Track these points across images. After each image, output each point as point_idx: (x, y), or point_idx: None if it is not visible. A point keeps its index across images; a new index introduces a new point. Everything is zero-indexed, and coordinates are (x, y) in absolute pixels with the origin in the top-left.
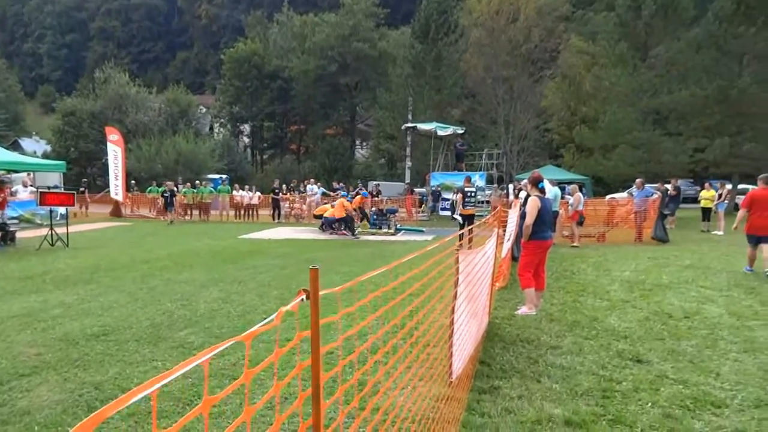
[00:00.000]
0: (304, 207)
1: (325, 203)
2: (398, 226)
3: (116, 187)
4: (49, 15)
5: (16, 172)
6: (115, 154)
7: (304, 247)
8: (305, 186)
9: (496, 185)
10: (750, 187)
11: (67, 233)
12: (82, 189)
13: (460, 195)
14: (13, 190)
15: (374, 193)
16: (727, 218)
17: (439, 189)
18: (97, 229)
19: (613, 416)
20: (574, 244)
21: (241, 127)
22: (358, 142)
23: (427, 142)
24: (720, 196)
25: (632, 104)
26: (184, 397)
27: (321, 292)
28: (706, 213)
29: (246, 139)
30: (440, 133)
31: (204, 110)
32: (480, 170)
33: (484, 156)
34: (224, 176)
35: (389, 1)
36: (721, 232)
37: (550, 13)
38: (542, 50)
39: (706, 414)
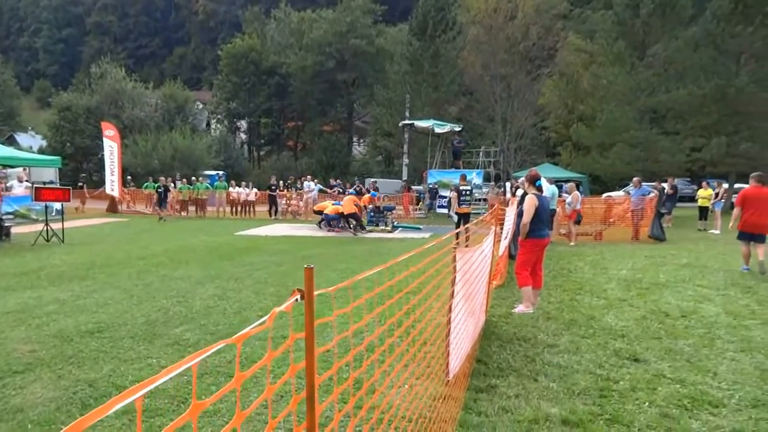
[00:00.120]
0: (301, 204)
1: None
2: (395, 223)
3: (112, 183)
4: (45, 9)
5: (12, 167)
6: (111, 150)
7: (301, 244)
8: (302, 183)
9: (493, 183)
10: (746, 186)
11: (63, 229)
12: (80, 184)
13: (455, 193)
14: (8, 185)
15: (358, 190)
16: (723, 217)
17: (436, 186)
18: (93, 225)
19: (611, 415)
20: (571, 243)
21: (238, 123)
22: (355, 139)
23: (424, 140)
24: (717, 195)
25: (630, 103)
26: (179, 395)
27: (316, 292)
28: (704, 212)
29: (243, 136)
30: (437, 130)
31: (201, 106)
32: (477, 168)
33: (481, 154)
34: (221, 172)
35: None
36: (717, 231)
37: (548, 11)
38: (540, 48)
39: (703, 414)
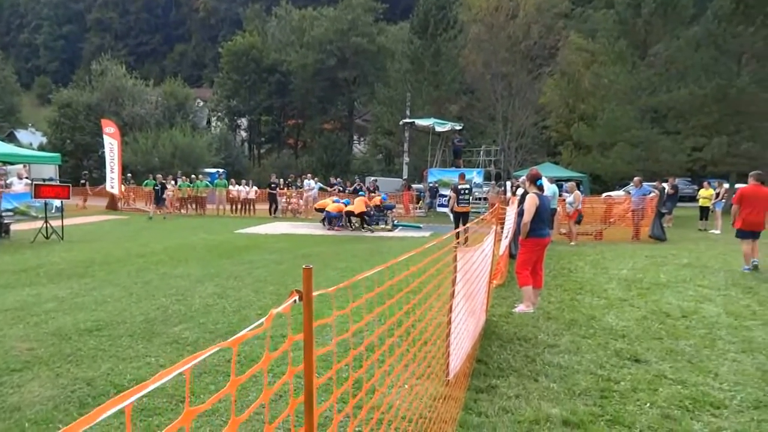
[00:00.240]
0: (301, 202)
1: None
2: (395, 222)
3: (112, 180)
4: (46, 6)
5: (12, 164)
6: (111, 147)
7: (301, 243)
8: (302, 181)
9: (493, 182)
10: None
11: (62, 226)
12: (83, 181)
13: (453, 193)
14: (8, 182)
15: (371, 189)
16: (724, 217)
17: (436, 185)
18: (93, 222)
19: (612, 416)
20: (572, 243)
21: (239, 121)
22: (355, 138)
23: (425, 138)
24: (717, 195)
25: (631, 102)
26: (178, 394)
27: (315, 293)
28: (704, 212)
29: (243, 133)
30: (438, 129)
31: (201, 104)
32: (478, 167)
33: (482, 152)
34: (221, 170)
35: None
36: (718, 231)
37: (549, 10)
38: (541, 47)
39: (705, 415)
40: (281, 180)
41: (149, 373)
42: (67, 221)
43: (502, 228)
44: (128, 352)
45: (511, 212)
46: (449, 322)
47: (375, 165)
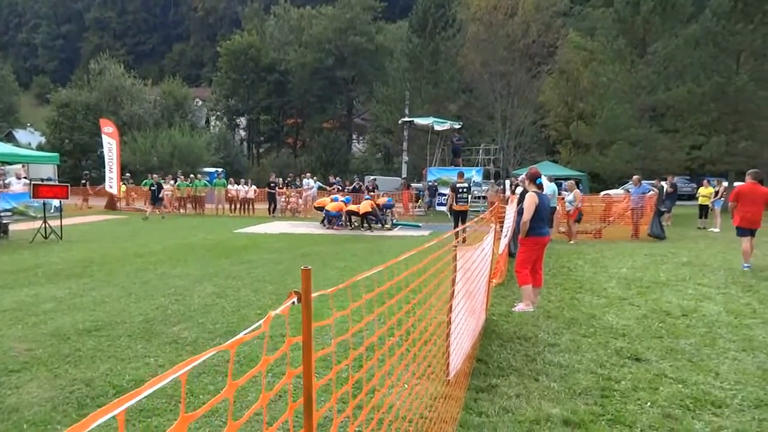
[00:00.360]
0: (300, 201)
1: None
2: (395, 221)
3: (111, 180)
4: (44, 5)
5: (10, 163)
6: (109, 147)
7: (300, 242)
8: (301, 180)
9: (492, 181)
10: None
11: (61, 226)
12: (84, 181)
13: (451, 191)
14: (6, 182)
15: (371, 188)
16: (723, 215)
17: (435, 184)
18: (92, 222)
19: (612, 416)
20: (571, 242)
21: (238, 121)
22: (354, 137)
23: (424, 137)
24: (717, 193)
25: (629, 101)
26: (177, 395)
27: (314, 294)
28: (704, 210)
29: (242, 133)
30: (437, 127)
31: (200, 103)
32: (477, 166)
33: (481, 151)
34: (220, 170)
35: None
36: (717, 230)
37: (548, 8)
38: (540, 45)
39: (706, 414)
40: (280, 179)
41: (148, 373)
42: (65, 221)
43: (502, 227)
44: (127, 352)
45: (510, 211)
46: (449, 322)
47: (374, 164)
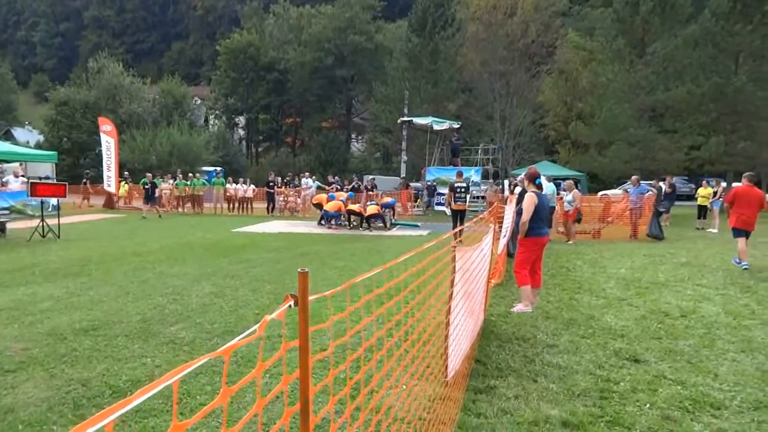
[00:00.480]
0: (299, 201)
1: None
2: (393, 220)
3: (109, 179)
4: (43, 3)
5: (8, 162)
6: (108, 145)
7: (299, 241)
8: (300, 179)
9: (491, 181)
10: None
11: (59, 225)
12: (84, 180)
13: (449, 191)
14: (4, 180)
15: (369, 188)
16: (721, 216)
17: (434, 184)
18: (90, 220)
19: (611, 417)
20: (570, 242)
21: (237, 119)
22: (353, 136)
23: (423, 137)
24: (715, 194)
25: (628, 101)
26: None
27: (311, 297)
28: (702, 210)
29: (241, 132)
30: (436, 127)
31: (199, 102)
32: (476, 165)
33: (480, 151)
34: (219, 168)
35: None
36: (715, 230)
37: (547, 8)
38: (539, 45)
39: (705, 416)
40: (279, 178)
41: (145, 373)
42: (63, 220)
43: (501, 227)
44: (124, 352)
45: (509, 211)
46: (448, 324)
47: (373, 163)
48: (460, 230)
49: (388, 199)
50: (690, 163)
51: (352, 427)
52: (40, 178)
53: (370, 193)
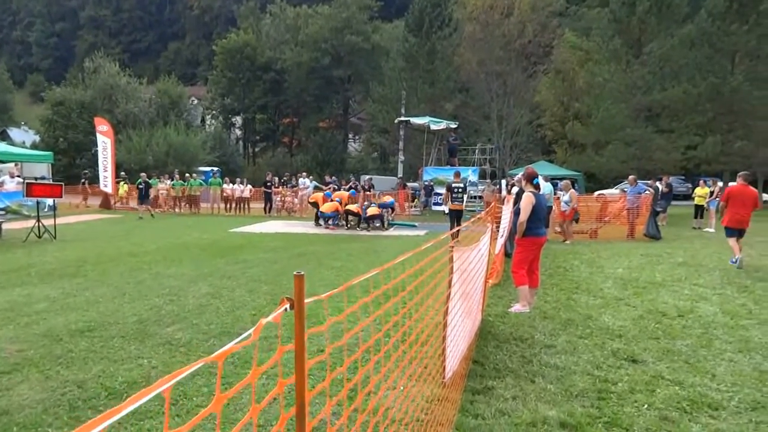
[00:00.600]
0: (296, 201)
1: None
2: (390, 220)
3: (105, 179)
4: (39, 3)
5: (3, 162)
6: (104, 145)
7: (296, 241)
8: (297, 179)
9: (488, 180)
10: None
11: (55, 225)
12: (83, 180)
13: (447, 191)
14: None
15: (366, 188)
16: (718, 216)
17: (431, 184)
18: (86, 221)
19: (609, 418)
20: (567, 242)
21: (233, 120)
22: (350, 136)
23: (420, 137)
24: (712, 193)
25: (625, 101)
26: (171, 396)
27: (307, 300)
28: (699, 210)
29: (238, 132)
30: (433, 127)
31: (195, 102)
32: (473, 165)
33: (477, 151)
34: (215, 169)
35: None
36: (712, 230)
37: (544, 8)
38: (536, 45)
39: (703, 416)
40: (276, 179)
41: (141, 375)
42: (59, 220)
43: (498, 227)
44: (120, 353)
45: (506, 211)
46: (446, 325)
47: (370, 163)
48: (457, 230)
49: (387, 199)
50: (687, 163)
51: (349, 430)
52: (35, 179)
53: (368, 193)
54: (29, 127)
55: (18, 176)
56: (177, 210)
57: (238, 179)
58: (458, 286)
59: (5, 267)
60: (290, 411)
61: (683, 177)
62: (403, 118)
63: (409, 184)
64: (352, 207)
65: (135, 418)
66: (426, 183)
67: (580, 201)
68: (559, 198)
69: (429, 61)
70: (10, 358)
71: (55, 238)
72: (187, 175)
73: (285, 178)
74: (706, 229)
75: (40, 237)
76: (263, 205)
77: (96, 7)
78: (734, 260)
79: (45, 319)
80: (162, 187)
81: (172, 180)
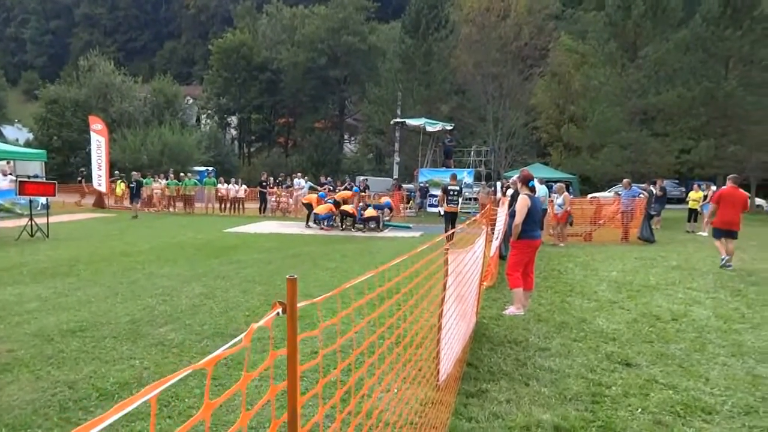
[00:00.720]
0: (291, 201)
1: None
2: (386, 221)
3: (99, 178)
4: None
5: None
6: (98, 144)
7: (290, 242)
8: (292, 180)
9: (484, 183)
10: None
11: (48, 224)
12: (79, 179)
13: (442, 193)
14: None
15: (362, 188)
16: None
17: (427, 185)
18: (79, 220)
19: (603, 422)
20: (561, 244)
21: (229, 119)
22: (346, 137)
23: (415, 138)
24: (705, 197)
25: (620, 104)
26: (162, 399)
27: (300, 304)
28: (693, 214)
29: (233, 131)
30: (429, 128)
31: (191, 101)
32: (468, 167)
33: (472, 153)
34: (210, 168)
35: None
36: (705, 233)
37: (540, 11)
38: (532, 48)
39: (696, 420)
40: (272, 179)
41: (133, 376)
42: (52, 219)
43: (493, 229)
44: (112, 353)
45: (501, 213)
46: (440, 328)
47: (366, 164)
48: (452, 233)
49: (384, 200)
50: (680, 167)
51: None
52: (29, 177)
53: (363, 194)
54: (23, 125)
55: (11, 174)
56: (171, 209)
57: (233, 179)
58: (453, 289)
59: None
60: (282, 418)
61: (677, 181)
62: (398, 120)
63: (404, 186)
64: (347, 207)
65: (126, 419)
66: (421, 184)
67: (574, 204)
68: (552, 201)
69: (425, 62)
70: (0, 357)
71: (47, 236)
72: (181, 174)
73: (280, 178)
74: (700, 233)
75: (32, 235)
76: (259, 205)
77: (91, 5)
78: (728, 264)
79: (36, 318)
80: (156, 186)
81: (167, 179)
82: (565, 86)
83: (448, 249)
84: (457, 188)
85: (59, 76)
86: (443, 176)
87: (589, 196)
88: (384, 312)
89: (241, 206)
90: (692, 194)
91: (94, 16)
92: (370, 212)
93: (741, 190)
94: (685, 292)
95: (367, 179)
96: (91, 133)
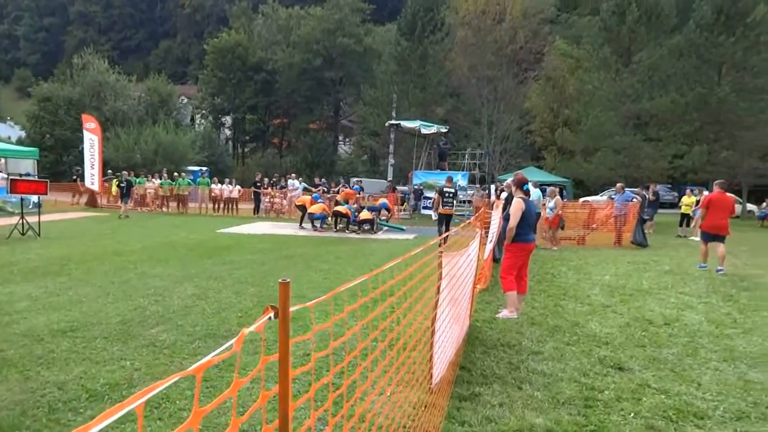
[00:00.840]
0: (285, 202)
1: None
2: (379, 221)
3: (92, 177)
4: None
5: None
6: (91, 143)
7: (284, 243)
8: (286, 181)
9: (478, 185)
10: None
11: (39, 222)
12: (74, 177)
13: (437, 195)
14: None
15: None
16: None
17: (421, 187)
18: (71, 219)
19: (596, 427)
20: (554, 248)
21: (223, 119)
22: (341, 138)
23: (410, 140)
24: (698, 202)
25: (614, 109)
26: (153, 400)
27: (292, 308)
28: (685, 218)
29: (228, 132)
30: (424, 131)
31: (185, 101)
32: (463, 170)
33: (466, 156)
34: (204, 168)
35: None
36: (697, 238)
37: (535, 15)
38: (527, 52)
39: (688, 426)
40: (266, 179)
41: (123, 377)
42: (44, 217)
43: (487, 232)
44: (102, 354)
45: (495, 216)
46: (433, 332)
47: (360, 166)
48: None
49: (380, 201)
50: (673, 172)
51: None
52: (20, 175)
53: (358, 195)
54: (15, 123)
55: (2, 172)
56: (165, 209)
57: (227, 179)
58: (447, 292)
59: None
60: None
61: (670, 185)
62: (393, 122)
63: (398, 188)
64: (341, 209)
65: (117, 420)
66: (416, 187)
67: (567, 207)
68: (545, 204)
69: (420, 65)
70: None
71: (39, 235)
72: (175, 174)
73: (274, 179)
74: (692, 238)
75: (23, 234)
76: (253, 206)
77: (86, 3)
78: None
79: (26, 318)
80: (150, 186)
81: (161, 179)
82: (559, 90)
83: (442, 252)
84: (453, 190)
85: (53, 74)
86: (438, 179)
87: (581, 199)
88: (377, 315)
89: (234, 207)
90: (685, 199)
91: (88, 14)
92: (365, 215)
93: (728, 195)
94: (678, 296)
95: (361, 181)
96: (84, 132)
